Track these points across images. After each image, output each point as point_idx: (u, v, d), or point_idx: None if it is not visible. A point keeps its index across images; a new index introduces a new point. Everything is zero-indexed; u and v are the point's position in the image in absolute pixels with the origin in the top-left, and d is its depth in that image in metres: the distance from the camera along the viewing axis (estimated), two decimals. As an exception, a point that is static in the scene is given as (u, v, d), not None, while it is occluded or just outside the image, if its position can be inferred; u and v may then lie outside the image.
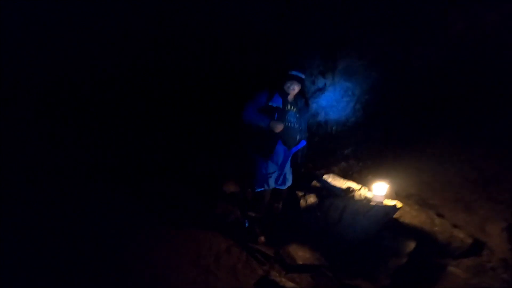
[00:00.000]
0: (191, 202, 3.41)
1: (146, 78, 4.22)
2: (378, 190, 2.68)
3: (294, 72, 2.95)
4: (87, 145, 3.83)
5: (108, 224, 2.82)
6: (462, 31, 3.66)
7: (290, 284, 2.41)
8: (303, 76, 3.02)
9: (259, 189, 3.00)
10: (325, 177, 3.27)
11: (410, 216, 3.05)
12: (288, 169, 3.05)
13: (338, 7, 4.06)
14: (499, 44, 3.50)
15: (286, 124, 2.89)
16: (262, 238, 2.95)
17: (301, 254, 2.72)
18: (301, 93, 3.13)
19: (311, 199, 3.22)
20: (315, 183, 3.42)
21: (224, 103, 4.46)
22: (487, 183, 3.35)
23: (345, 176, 4.08)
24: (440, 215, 3.14)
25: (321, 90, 4.91)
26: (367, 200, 2.71)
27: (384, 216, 2.67)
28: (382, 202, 2.65)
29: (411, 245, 2.58)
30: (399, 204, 2.69)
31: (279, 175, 3.04)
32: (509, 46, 3.38)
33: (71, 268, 2.26)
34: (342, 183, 3.09)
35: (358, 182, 3.71)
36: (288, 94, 2.96)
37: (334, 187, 3.07)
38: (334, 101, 4.73)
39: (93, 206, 3.03)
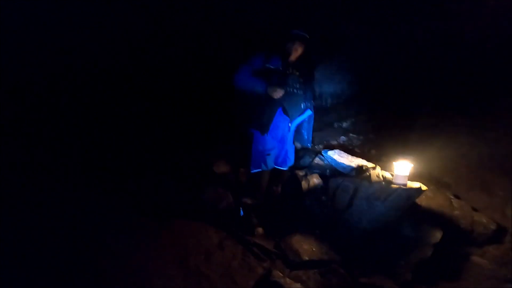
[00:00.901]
0: (175, 186, 2.88)
1: (139, 75, 3.94)
2: (400, 170, 2.26)
3: (296, 31, 2.49)
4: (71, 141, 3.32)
5: (79, 224, 2.27)
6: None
7: (297, 285, 2.02)
8: (307, 36, 2.52)
9: (255, 170, 2.51)
10: (330, 153, 2.83)
11: (426, 198, 2.69)
12: (290, 146, 2.58)
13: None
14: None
15: (288, 89, 2.41)
16: (260, 230, 2.51)
17: (306, 248, 2.31)
18: (306, 57, 2.63)
19: (314, 180, 2.78)
20: (317, 160, 2.99)
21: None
22: (505, 160, 3.05)
23: (346, 151, 3.69)
24: (457, 197, 2.82)
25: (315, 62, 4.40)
26: (387, 181, 2.29)
27: (405, 201, 2.28)
28: (405, 184, 2.24)
29: (437, 235, 2.22)
30: (423, 187, 2.30)
31: (279, 153, 2.56)
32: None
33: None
34: (350, 161, 2.67)
35: (363, 157, 3.35)
36: (289, 55, 2.48)
37: (341, 165, 2.64)
38: (330, 74, 4.24)
39: (64, 203, 2.48)
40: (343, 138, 3.90)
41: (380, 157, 3.39)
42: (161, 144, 3.48)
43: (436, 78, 3.90)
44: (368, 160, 3.27)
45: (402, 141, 3.60)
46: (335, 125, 4.13)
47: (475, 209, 2.70)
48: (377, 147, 3.62)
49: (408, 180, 2.40)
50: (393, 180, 2.27)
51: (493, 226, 2.47)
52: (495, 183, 2.88)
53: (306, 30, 2.56)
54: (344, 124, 4.11)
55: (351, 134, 3.92)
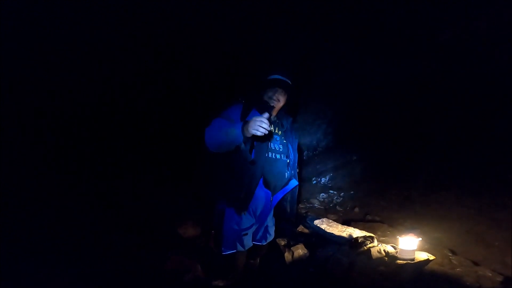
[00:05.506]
0: (133, 252, 2.42)
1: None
2: (407, 245, 2.03)
3: (277, 76, 1.99)
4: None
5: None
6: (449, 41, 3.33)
7: None
8: (290, 82, 2.02)
9: (228, 252, 2.03)
10: (317, 222, 2.55)
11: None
12: (270, 220, 2.15)
13: (312, 17, 3.58)
14: (488, 51, 3.21)
15: (269, 155, 1.90)
16: (238, 314, 2.05)
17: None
18: (285, 109, 2.13)
19: (299, 251, 2.44)
20: (302, 228, 2.70)
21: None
22: (494, 209, 2.94)
23: (326, 209, 3.48)
24: (453, 252, 2.62)
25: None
26: (391, 257, 2.03)
27: (412, 274, 2.02)
28: (413, 259, 1.98)
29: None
30: (431, 256, 2.06)
31: (258, 229, 2.12)
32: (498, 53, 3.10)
33: None
34: (340, 230, 2.39)
35: (343, 216, 3.14)
36: (270, 108, 1.94)
37: (330, 235, 2.37)
38: (305, 124, 4.14)
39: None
40: (323, 195, 3.71)
41: (364, 216, 3.19)
42: (116, 195, 3.08)
43: (417, 126, 3.83)
44: (351, 219, 3.07)
45: (383, 196, 3.46)
46: (313, 181, 3.96)
47: (475, 263, 2.50)
48: (359, 204, 3.43)
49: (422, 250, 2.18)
50: (398, 255, 2.01)
51: (499, 278, 2.26)
52: (490, 234, 2.73)
53: (287, 74, 2.03)
54: (323, 180, 3.94)
55: (331, 191, 3.74)
